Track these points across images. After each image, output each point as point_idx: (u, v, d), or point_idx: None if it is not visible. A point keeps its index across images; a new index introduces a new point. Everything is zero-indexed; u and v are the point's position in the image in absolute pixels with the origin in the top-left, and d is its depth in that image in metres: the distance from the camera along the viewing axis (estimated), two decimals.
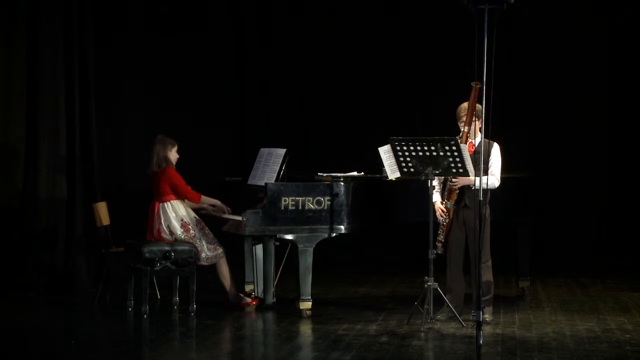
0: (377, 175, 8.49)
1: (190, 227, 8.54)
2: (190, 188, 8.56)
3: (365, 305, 8.95)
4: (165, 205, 8.53)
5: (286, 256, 8.99)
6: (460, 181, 7.93)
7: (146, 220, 8.64)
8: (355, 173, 8.64)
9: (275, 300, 8.80)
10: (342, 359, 6.74)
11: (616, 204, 11.83)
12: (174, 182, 8.52)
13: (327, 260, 9.15)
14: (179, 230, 8.51)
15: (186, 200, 8.61)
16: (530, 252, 9.38)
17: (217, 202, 8.70)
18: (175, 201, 8.55)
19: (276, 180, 8.52)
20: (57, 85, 9.95)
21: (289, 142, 9.01)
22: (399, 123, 11.03)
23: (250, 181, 8.93)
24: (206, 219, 8.75)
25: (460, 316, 7.86)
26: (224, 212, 8.66)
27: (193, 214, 8.65)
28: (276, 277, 8.96)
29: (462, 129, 7.88)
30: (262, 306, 8.65)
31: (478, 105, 7.65)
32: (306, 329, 7.87)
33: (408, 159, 7.82)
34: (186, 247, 8.45)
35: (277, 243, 8.64)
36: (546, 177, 10.45)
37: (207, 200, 8.66)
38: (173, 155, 8.63)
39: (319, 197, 8.27)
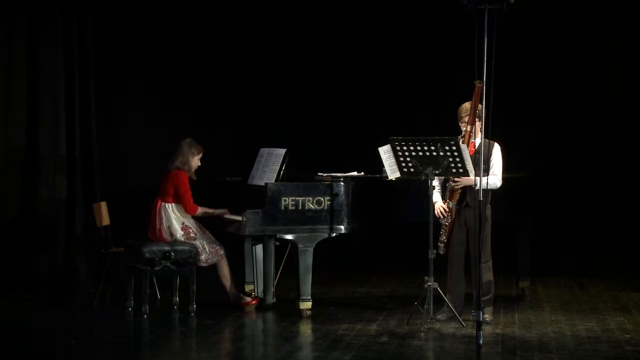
0: (377, 175, 8.49)
1: (190, 229, 8.54)
2: (191, 200, 8.51)
3: (365, 305, 8.95)
4: (167, 205, 8.53)
5: (286, 256, 8.99)
6: (463, 181, 7.93)
7: (146, 220, 8.63)
8: (355, 173, 8.64)
9: (275, 300, 8.80)
10: (342, 359, 6.74)
11: (616, 203, 11.83)
12: (180, 188, 8.48)
13: (327, 260, 9.14)
14: (179, 233, 8.50)
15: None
16: (530, 252, 9.38)
17: (213, 211, 8.66)
18: (177, 204, 8.54)
19: (276, 180, 8.52)
20: (57, 85, 9.96)
21: (289, 142, 9.01)
22: (399, 123, 11.03)
23: (250, 181, 8.94)
24: (209, 220, 8.74)
25: (460, 316, 7.86)
26: (223, 215, 8.66)
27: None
28: (276, 277, 8.96)
29: (465, 128, 7.88)
30: (262, 306, 8.65)
31: (479, 105, 7.65)
32: (306, 329, 7.88)
33: (408, 159, 7.82)
34: (186, 247, 8.45)
35: (277, 243, 8.64)
36: (546, 177, 10.45)
37: (202, 212, 8.60)
38: (195, 162, 8.61)
39: (319, 197, 8.27)
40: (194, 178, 8.61)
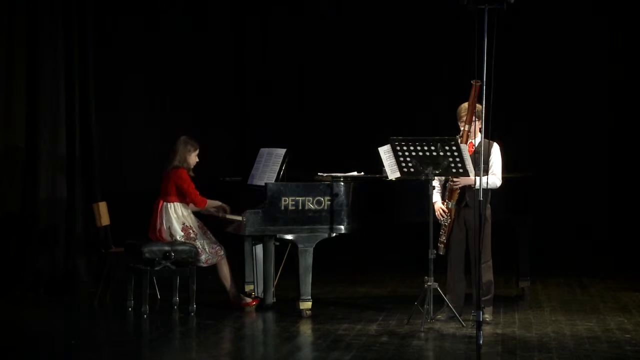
0: (377, 175, 8.49)
1: (191, 231, 8.53)
2: (197, 193, 8.53)
3: (365, 305, 8.95)
4: (169, 205, 8.53)
5: (286, 256, 8.99)
6: (462, 181, 7.93)
7: (146, 220, 8.64)
8: (355, 173, 8.64)
9: (275, 300, 8.80)
10: (342, 359, 6.74)
11: (616, 203, 11.83)
12: (183, 184, 8.49)
13: (327, 260, 9.14)
14: (179, 235, 8.50)
15: (191, 205, 8.60)
16: (530, 252, 9.37)
17: (219, 203, 8.69)
18: (178, 203, 8.54)
19: (276, 180, 8.52)
20: (57, 85, 9.95)
21: (289, 142, 9.01)
22: (399, 123, 11.03)
23: (250, 181, 8.94)
24: (209, 220, 8.75)
25: (460, 316, 7.86)
26: (226, 212, 8.66)
27: (194, 216, 8.64)
28: (276, 277, 8.96)
29: (463, 128, 7.88)
30: (262, 306, 8.65)
31: (478, 105, 7.65)
32: (306, 329, 7.88)
33: (408, 159, 7.82)
34: (186, 247, 8.45)
35: (277, 243, 8.65)
36: (546, 177, 10.44)
37: (211, 205, 8.64)
38: (192, 158, 8.62)
39: (319, 197, 8.27)
40: (192, 174, 8.61)
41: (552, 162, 11.56)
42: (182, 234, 8.51)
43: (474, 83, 7.66)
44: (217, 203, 8.68)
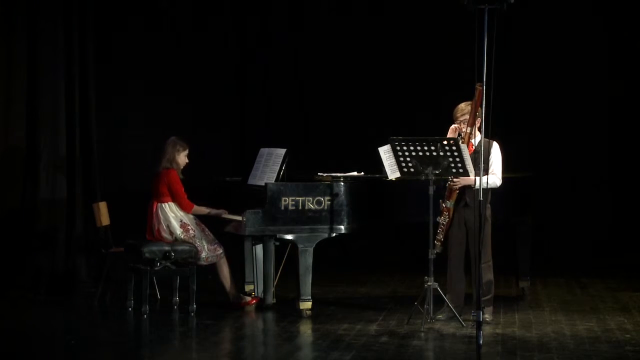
0: (377, 175, 8.49)
1: (189, 227, 8.54)
2: (185, 197, 8.52)
3: (365, 305, 8.95)
4: (163, 205, 8.52)
5: (286, 256, 8.98)
6: (462, 181, 7.92)
7: (146, 220, 8.63)
8: (355, 173, 8.64)
9: (275, 300, 8.80)
10: (342, 359, 6.74)
11: (616, 204, 11.83)
12: (173, 186, 8.48)
13: (327, 260, 9.14)
14: (178, 231, 8.50)
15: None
16: (530, 252, 9.37)
17: (207, 211, 8.65)
18: (172, 203, 8.53)
19: (276, 180, 8.52)
20: (57, 85, 9.95)
21: (289, 142, 9.00)
22: (399, 123, 11.03)
23: (250, 181, 8.93)
24: (207, 219, 8.74)
25: (460, 316, 7.86)
26: (221, 215, 8.64)
27: (192, 215, 8.64)
28: (276, 277, 8.96)
29: (465, 130, 7.87)
30: (262, 306, 8.65)
31: (479, 108, 7.64)
32: (306, 329, 7.88)
33: (408, 159, 7.82)
34: (186, 247, 8.45)
35: (277, 243, 8.64)
36: (546, 178, 10.44)
37: (198, 211, 8.61)
38: (182, 159, 8.60)
39: (319, 197, 8.27)
40: (181, 176, 8.59)
41: (552, 162, 11.56)
42: (182, 230, 8.51)
43: (477, 87, 7.62)
44: (205, 211, 8.62)
